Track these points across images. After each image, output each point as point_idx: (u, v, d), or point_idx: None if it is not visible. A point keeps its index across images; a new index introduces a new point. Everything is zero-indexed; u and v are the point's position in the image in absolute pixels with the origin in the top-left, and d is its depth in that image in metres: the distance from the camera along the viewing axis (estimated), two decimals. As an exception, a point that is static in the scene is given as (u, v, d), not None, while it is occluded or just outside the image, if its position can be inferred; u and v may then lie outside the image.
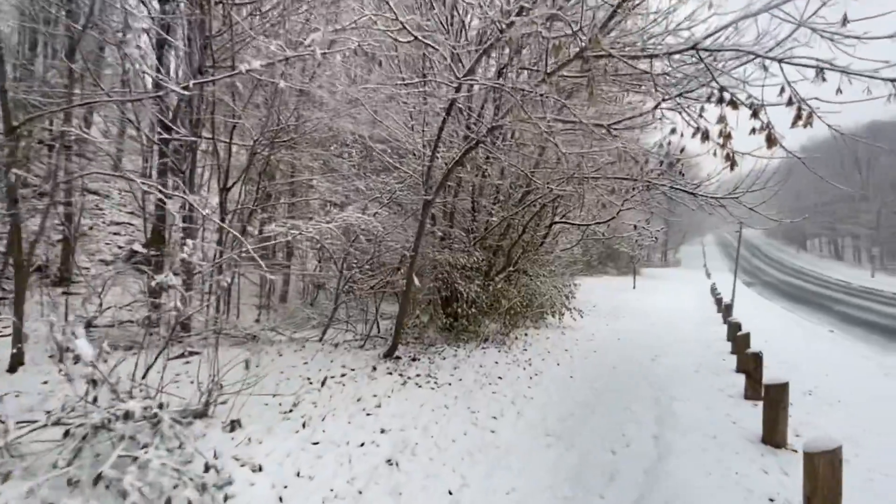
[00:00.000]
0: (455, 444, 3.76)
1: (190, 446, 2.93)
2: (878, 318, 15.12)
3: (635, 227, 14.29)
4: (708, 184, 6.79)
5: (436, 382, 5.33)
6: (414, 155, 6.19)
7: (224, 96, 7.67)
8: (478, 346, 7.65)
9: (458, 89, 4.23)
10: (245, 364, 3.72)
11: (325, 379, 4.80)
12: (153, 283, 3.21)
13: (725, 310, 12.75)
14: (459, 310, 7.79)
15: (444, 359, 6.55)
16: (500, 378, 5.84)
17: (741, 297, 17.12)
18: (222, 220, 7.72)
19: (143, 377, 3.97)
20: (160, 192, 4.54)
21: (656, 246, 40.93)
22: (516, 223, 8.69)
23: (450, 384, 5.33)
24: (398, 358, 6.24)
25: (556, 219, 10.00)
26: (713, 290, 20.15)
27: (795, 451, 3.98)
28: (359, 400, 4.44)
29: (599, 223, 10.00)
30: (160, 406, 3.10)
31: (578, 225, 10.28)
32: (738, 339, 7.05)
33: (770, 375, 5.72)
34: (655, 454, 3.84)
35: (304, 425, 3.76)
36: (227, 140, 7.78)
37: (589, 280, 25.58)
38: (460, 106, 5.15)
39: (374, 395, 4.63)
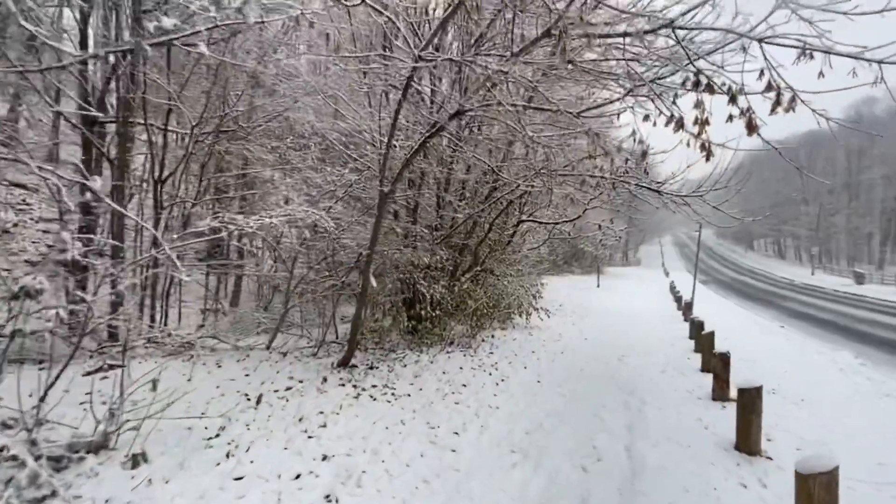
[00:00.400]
0: (409, 469, 3.26)
1: (63, 494, 2.28)
2: (822, 314, 15.86)
3: (599, 226, 14.31)
4: (672, 182, 6.69)
5: (393, 394, 4.80)
6: (372, 144, 5.64)
7: (158, 77, 6.82)
8: (442, 350, 7.18)
9: (415, 67, 3.75)
10: (152, 384, 3.07)
11: (261, 396, 4.17)
12: (15, 288, 2.51)
13: (686, 308, 12.93)
14: (423, 312, 7.30)
15: (405, 366, 6.03)
16: (464, 386, 5.39)
17: (698, 295, 17.56)
18: (158, 214, 6.88)
19: (42, 399, 3.23)
20: (60, 178, 3.77)
21: (618, 246, 42.04)
22: (483, 221, 8.30)
23: (409, 395, 4.82)
24: (354, 366, 5.67)
25: (524, 217, 9.71)
26: (672, 288, 20.65)
27: (770, 459, 3.75)
28: (301, 419, 3.85)
29: (566, 222, 9.80)
30: (33, 442, 2.43)
31: (545, 223, 10.03)
32: (702, 339, 6.95)
33: (737, 376, 5.60)
34: (629, 470, 3.49)
35: (228, 455, 3.14)
36: (162, 126, 6.93)
37: (555, 279, 25.74)
38: (419, 87, 4.65)
39: (321, 413, 4.06)
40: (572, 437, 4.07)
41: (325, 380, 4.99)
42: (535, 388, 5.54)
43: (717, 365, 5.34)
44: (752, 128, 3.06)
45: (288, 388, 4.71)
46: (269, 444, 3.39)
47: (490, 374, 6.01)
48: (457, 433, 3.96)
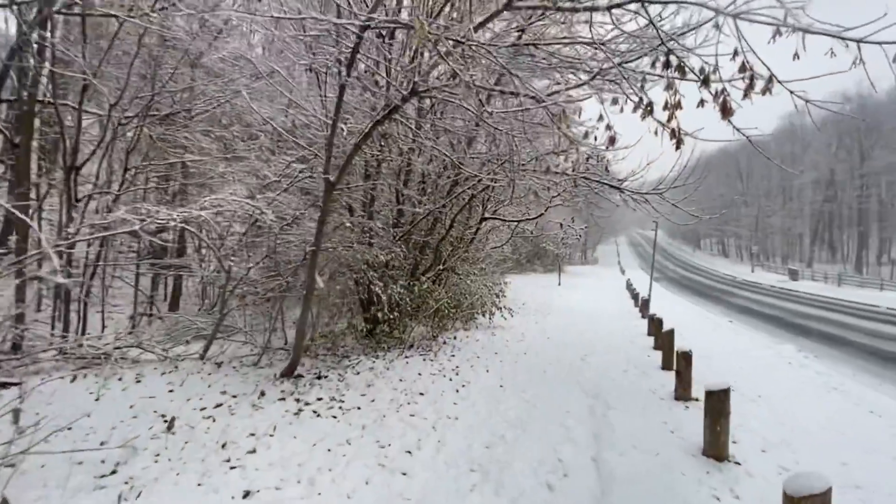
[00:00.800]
0: (350, 501, 2.76)
1: None
2: (764, 309, 16.69)
3: (561, 225, 14.31)
4: (632, 179, 6.59)
5: (341, 407, 4.26)
6: (319, 129, 5.05)
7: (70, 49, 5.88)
8: (401, 354, 6.68)
9: (361, 37, 3.24)
10: (13, 416, 2.39)
11: (174, 420, 3.51)
12: None
13: (643, 305, 13.14)
14: (380, 314, 6.76)
15: (359, 373, 5.49)
16: (421, 394, 4.92)
17: (652, 292, 18.04)
18: (70, 205, 5.93)
19: None
20: None
21: (578, 245, 43.11)
22: (444, 217, 7.87)
23: (359, 408, 4.30)
24: (299, 377, 5.06)
25: (487, 215, 9.38)
26: (629, 285, 21.19)
27: (739, 464, 3.55)
28: (225, 445, 3.24)
29: (529, 220, 9.57)
30: None
31: (509, 221, 9.77)
32: (662, 337, 6.86)
33: (697, 374, 5.49)
34: (598, 486, 3.16)
35: (120, 499, 2.51)
36: (76, 106, 5.98)
37: (518, 278, 25.81)
38: (367, 62, 4.14)
39: (251, 435, 3.46)
40: (537, 450, 3.71)
41: (262, 394, 4.37)
42: (497, 394, 5.17)
43: (680, 364, 5.18)
44: (726, 111, 2.80)
45: (217, 406, 4.06)
46: (180, 479, 2.78)
47: (450, 380, 5.59)
48: (410, 452, 3.48)
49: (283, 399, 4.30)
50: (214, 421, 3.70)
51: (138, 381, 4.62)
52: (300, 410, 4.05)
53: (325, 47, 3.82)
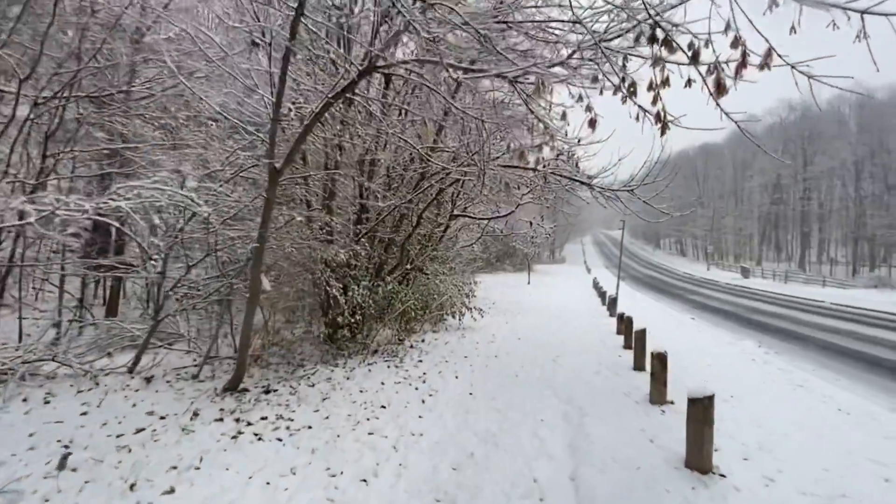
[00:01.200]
0: (287, 553, 2.24)
1: None
2: (722, 305, 17.21)
3: (531, 223, 14.15)
4: (603, 176, 6.40)
5: (289, 427, 3.70)
6: (264, 108, 4.43)
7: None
8: (364, 361, 6.15)
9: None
10: None
11: (65, 458, 2.85)
12: None
13: (610, 303, 13.14)
14: (340, 318, 6.20)
15: (314, 385, 4.92)
16: (383, 407, 4.42)
17: (614, 289, 18.27)
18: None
19: None
20: None
21: (546, 244, 43.65)
22: (411, 213, 7.38)
23: (310, 427, 3.75)
24: (244, 391, 4.44)
25: (456, 211, 8.97)
26: (595, 283, 21.44)
27: (724, 476, 3.29)
28: (133, 486, 2.63)
29: (499, 217, 9.24)
30: None
31: (479, 219, 9.40)
32: (634, 337, 6.66)
33: (671, 376, 5.28)
34: (578, 511, 2.78)
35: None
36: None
37: (488, 277, 25.65)
38: (318, 30, 3.59)
39: (173, 469, 2.86)
40: (510, 468, 3.31)
41: (196, 414, 3.74)
42: (467, 403, 4.75)
43: (655, 366, 4.94)
44: (720, 89, 2.48)
45: (138, 431, 3.41)
46: (64, 537, 2.17)
47: (416, 389, 5.12)
48: (365, 480, 2.99)
49: (221, 419, 3.70)
50: (130, 451, 3.06)
51: (46, 402, 3.89)
52: (239, 433, 3.47)
53: (267, 7, 3.25)
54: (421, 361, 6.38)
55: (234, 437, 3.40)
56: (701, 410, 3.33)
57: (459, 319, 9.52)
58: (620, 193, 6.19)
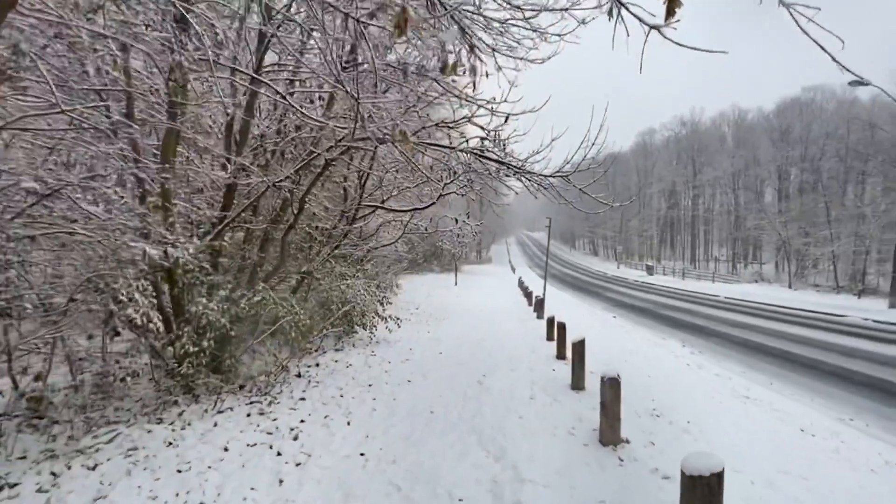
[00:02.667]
0: None
1: None
2: (637, 302, 17.55)
3: (456, 220, 12.87)
4: (534, 161, 5.23)
5: None
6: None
7: None
8: (215, 406, 4.19)
9: None
10: None
11: None
12: None
13: (538, 304, 12.32)
14: (176, 346, 4.17)
15: (95, 467, 2.91)
16: (200, 507, 2.60)
17: (539, 289, 17.86)
18: None
19: None
20: None
21: (473, 244, 43.41)
22: (293, 197, 5.50)
23: None
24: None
25: (367, 202, 7.26)
26: (520, 283, 20.99)
27: None
28: None
29: (418, 209, 7.69)
30: None
31: (393, 210, 7.77)
32: (572, 349, 5.51)
33: (624, 399, 4.15)
34: None
35: None
36: None
37: (415, 278, 24.12)
38: None
39: None
40: None
41: None
42: (351, 475, 3.09)
43: (606, 394, 3.72)
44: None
45: None
46: None
47: (279, 455, 3.33)
48: None
49: None
50: None
51: None
52: None
53: None
54: (303, 400, 4.57)
55: None
56: (704, 493, 2.06)
57: (371, 332, 7.80)
58: (555, 180, 5.13)
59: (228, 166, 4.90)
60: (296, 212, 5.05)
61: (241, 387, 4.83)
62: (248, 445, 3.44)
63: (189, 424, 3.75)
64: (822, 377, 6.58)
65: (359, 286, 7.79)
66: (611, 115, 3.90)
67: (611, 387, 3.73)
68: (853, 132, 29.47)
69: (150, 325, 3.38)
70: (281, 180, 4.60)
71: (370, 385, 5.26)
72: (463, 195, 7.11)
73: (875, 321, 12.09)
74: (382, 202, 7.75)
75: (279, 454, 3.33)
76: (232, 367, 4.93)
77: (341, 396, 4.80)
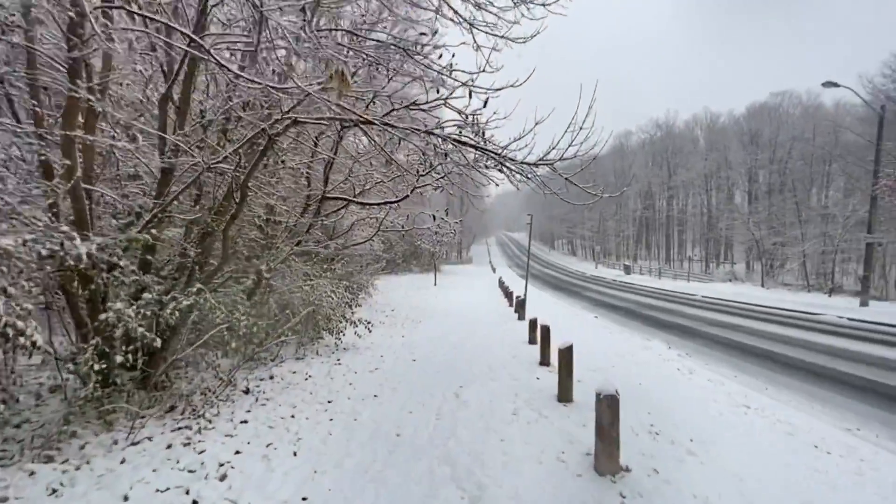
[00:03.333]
0: None
1: None
2: (617, 302, 17.28)
3: (434, 217, 12.22)
4: (517, 149, 4.67)
5: None
6: None
7: None
8: (131, 432, 3.38)
9: None
10: None
11: None
12: None
13: (519, 305, 11.79)
14: (92, 365, 3.35)
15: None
16: None
17: (519, 288, 17.40)
18: None
19: None
20: None
21: (453, 244, 42.84)
22: (237, 183, 4.70)
23: None
24: None
25: (331, 194, 6.52)
26: (501, 283, 20.51)
27: None
28: None
29: (391, 203, 6.99)
30: None
31: (363, 203, 7.04)
32: (559, 356, 4.94)
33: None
34: None
35: None
36: None
37: (394, 279, 23.34)
38: None
39: None
40: None
41: None
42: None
43: (604, 415, 3.14)
44: None
45: None
46: None
47: (195, 504, 2.59)
48: None
49: None
50: None
51: None
52: None
53: None
54: (244, 423, 3.81)
55: None
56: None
57: (338, 338, 7.04)
58: (539, 169, 4.61)
59: (164, 148, 4.09)
60: (237, 200, 4.26)
61: (173, 408, 4.02)
62: (157, 491, 2.68)
63: (88, 462, 2.95)
64: (815, 380, 6.24)
65: (325, 287, 7.03)
66: (600, 114, 3.67)
67: (609, 406, 3.14)
68: (819, 135, 30.39)
69: (20, 340, 2.57)
70: (218, 161, 3.81)
71: (329, 402, 4.54)
72: (440, 189, 6.46)
73: (850, 319, 12.10)
74: (354, 196, 7.03)
75: (195, 504, 2.59)
76: (161, 384, 4.12)
77: (292, 417, 4.06)
